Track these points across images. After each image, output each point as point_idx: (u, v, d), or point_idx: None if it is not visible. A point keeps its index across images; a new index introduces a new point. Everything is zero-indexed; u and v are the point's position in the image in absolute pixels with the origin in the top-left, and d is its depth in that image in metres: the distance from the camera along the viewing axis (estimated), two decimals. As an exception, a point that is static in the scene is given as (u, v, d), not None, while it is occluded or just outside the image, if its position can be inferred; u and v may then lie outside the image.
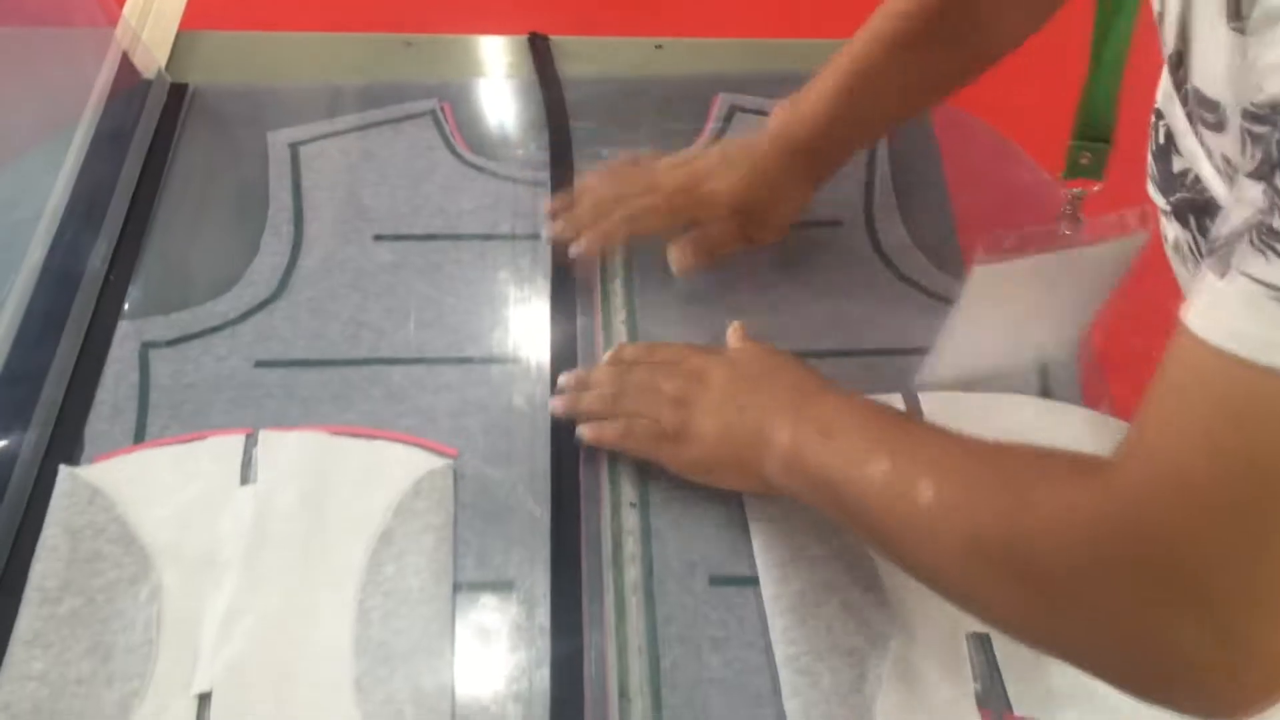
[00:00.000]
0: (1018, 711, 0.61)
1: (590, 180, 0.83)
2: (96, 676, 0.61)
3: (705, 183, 0.80)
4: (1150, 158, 0.66)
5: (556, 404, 0.73)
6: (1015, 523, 0.49)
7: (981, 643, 0.64)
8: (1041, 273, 0.67)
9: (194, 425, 0.73)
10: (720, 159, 0.81)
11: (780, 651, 0.63)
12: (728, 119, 0.94)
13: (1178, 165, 0.62)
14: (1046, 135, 0.78)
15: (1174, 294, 0.65)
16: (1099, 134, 0.66)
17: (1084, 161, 0.67)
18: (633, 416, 0.70)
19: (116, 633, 0.63)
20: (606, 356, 0.75)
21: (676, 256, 0.80)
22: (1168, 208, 0.64)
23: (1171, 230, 0.65)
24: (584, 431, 0.71)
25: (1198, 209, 0.60)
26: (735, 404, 0.67)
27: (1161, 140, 0.64)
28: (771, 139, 0.80)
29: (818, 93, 0.77)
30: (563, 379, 0.74)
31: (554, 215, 0.82)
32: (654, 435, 0.69)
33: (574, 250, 0.80)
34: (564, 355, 0.77)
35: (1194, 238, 0.61)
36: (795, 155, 0.79)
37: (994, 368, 0.74)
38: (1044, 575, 0.47)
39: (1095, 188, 0.68)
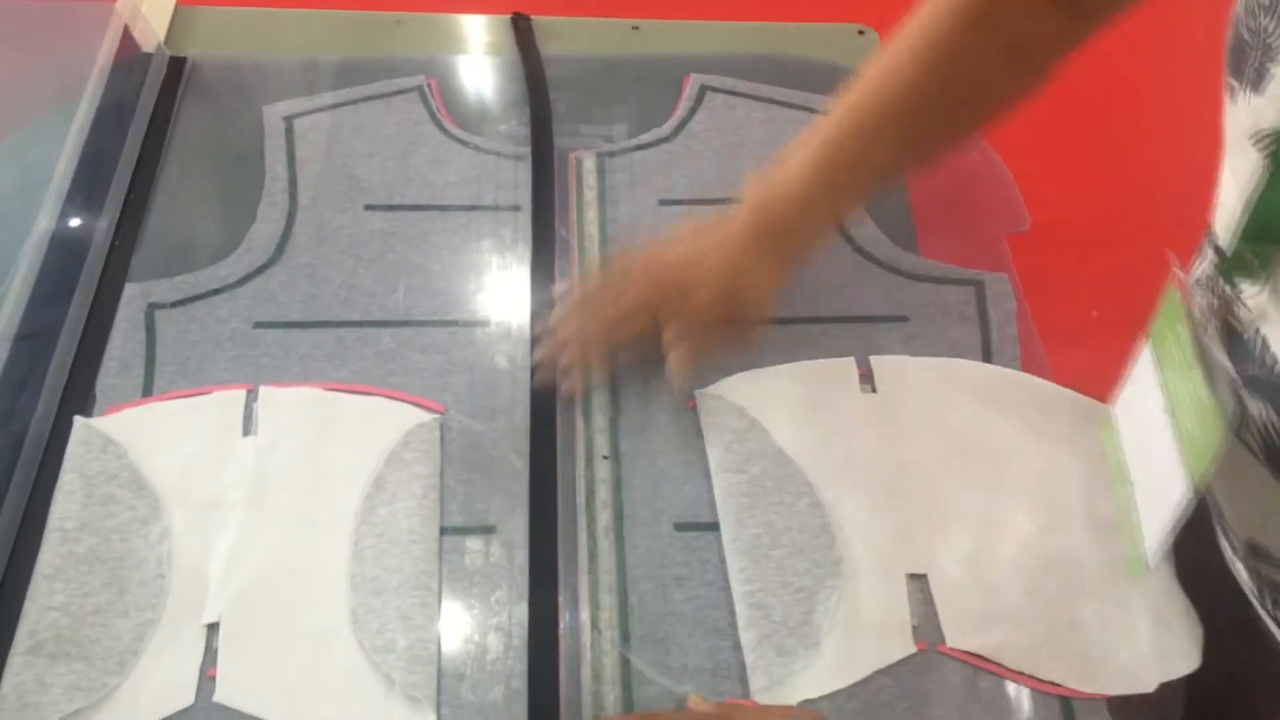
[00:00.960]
0: (950, 644, 0.68)
1: (569, 303, 0.80)
2: (113, 607, 0.67)
3: (681, 281, 0.76)
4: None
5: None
6: None
7: (920, 583, 0.70)
8: None
9: (198, 381, 0.78)
10: (690, 249, 0.77)
11: (737, 589, 0.69)
12: (699, 99, 0.99)
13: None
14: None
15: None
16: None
17: (1248, 262, 0.56)
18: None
19: (130, 569, 0.68)
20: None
21: (672, 374, 0.77)
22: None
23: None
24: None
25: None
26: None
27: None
28: (743, 217, 0.75)
29: (796, 163, 0.73)
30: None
31: (536, 341, 0.80)
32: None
33: (564, 390, 0.79)
34: (543, 319, 0.82)
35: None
36: (769, 235, 0.75)
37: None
38: None
39: (1259, 291, 0.56)
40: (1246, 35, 0.53)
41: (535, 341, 0.81)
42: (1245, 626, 0.66)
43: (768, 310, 0.78)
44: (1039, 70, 0.67)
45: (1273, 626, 0.64)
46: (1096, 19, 0.64)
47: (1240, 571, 0.66)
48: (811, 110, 0.97)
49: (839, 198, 0.74)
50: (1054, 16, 0.64)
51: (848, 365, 0.80)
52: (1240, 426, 0.59)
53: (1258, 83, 0.52)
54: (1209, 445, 0.58)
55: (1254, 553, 0.62)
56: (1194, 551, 0.69)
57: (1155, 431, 0.66)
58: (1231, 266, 0.57)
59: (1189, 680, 0.67)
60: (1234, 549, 0.65)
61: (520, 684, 0.66)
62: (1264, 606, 0.64)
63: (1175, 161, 1.20)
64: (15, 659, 0.63)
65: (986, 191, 0.94)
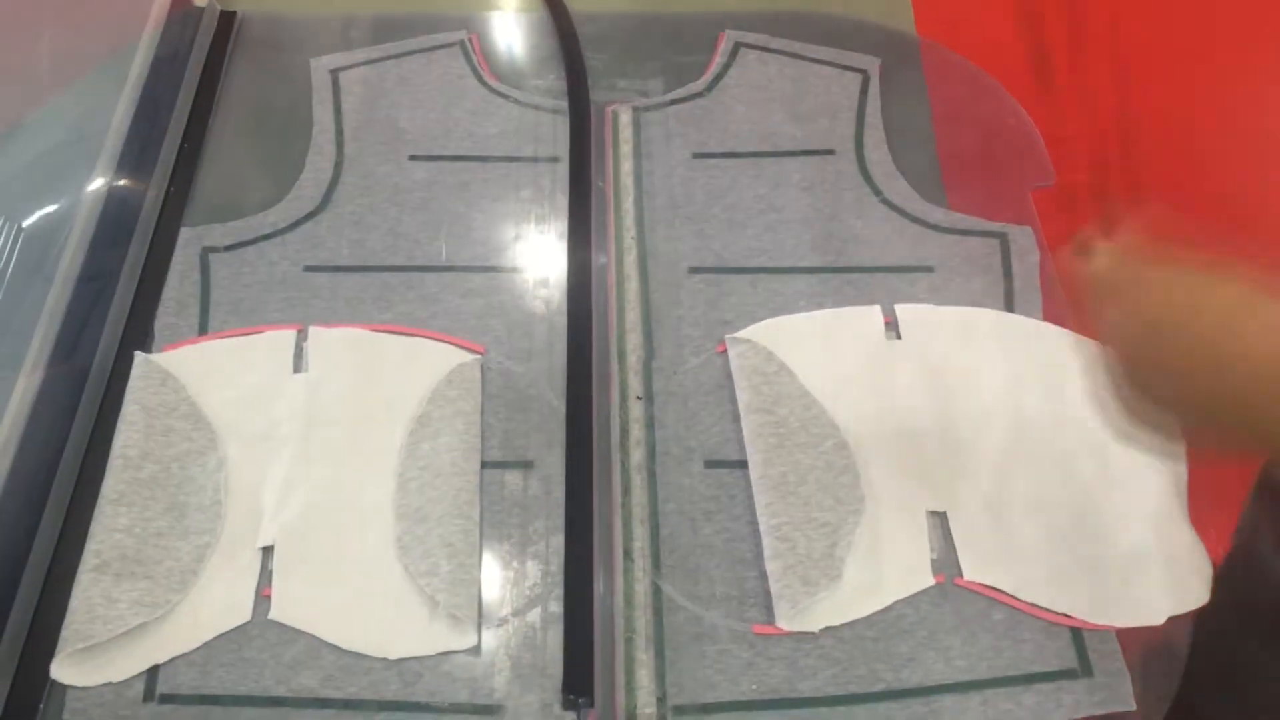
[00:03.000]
0: (967, 577, 0.71)
1: None
2: (173, 531, 0.71)
3: None
4: None
5: None
6: None
7: (939, 520, 0.73)
8: None
9: (251, 321, 0.82)
10: None
11: (764, 522, 0.72)
12: (733, 54, 1.02)
13: None
14: (1024, 69, 0.81)
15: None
16: None
17: None
18: None
19: (189, 495, 0.72)
20: None
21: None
22: None
23: None
24: None
25: None
26: None
27: None
28: None
29: None
30: None
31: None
32: None
33: None
34: (580, 265, 0.86)
35: None
36: None
37: None
38: None
39: None
40: None
41: (571, 269, 0.84)
42: (1255, 563, 0.69)
43: None
44: None
45: None
46: None
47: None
48: (841, 66, 0.99)
49: None
50: None
51: (874, 313, 0.83)
52: None
53: None
54: None
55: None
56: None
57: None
58: None
59: (1197, 614, 0.70)
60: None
61: (556, 607, 0.70)
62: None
63: (1206, 128, 1.21)
64: (84, 575, 0.68)
65: (1014, 147, 0.96)
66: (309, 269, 0.85)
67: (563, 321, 0.83)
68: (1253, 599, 0.69)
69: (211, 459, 0.74)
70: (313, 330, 0.81)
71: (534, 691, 0.66)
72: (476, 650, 0.68)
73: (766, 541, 0.72)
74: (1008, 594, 0.71)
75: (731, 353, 0.81)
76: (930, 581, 0.71)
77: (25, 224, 0.79)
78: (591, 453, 0.76)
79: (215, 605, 0.69)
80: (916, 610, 0.70)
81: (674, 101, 0.98)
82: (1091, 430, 0.77)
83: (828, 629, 0.69)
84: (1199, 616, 0.70)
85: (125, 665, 0.66)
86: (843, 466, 0.75)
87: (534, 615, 0.69)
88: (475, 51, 1.01)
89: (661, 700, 0.66)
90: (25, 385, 0.75)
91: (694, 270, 0.86)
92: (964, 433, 0.77)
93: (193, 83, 0.96)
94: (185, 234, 0.87)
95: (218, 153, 0.93)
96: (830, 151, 0.94)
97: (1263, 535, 0.67)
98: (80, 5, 0.94)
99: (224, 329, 0.81)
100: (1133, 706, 0.67)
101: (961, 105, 0.99)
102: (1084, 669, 0.68)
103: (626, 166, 0.93)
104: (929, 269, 0.86)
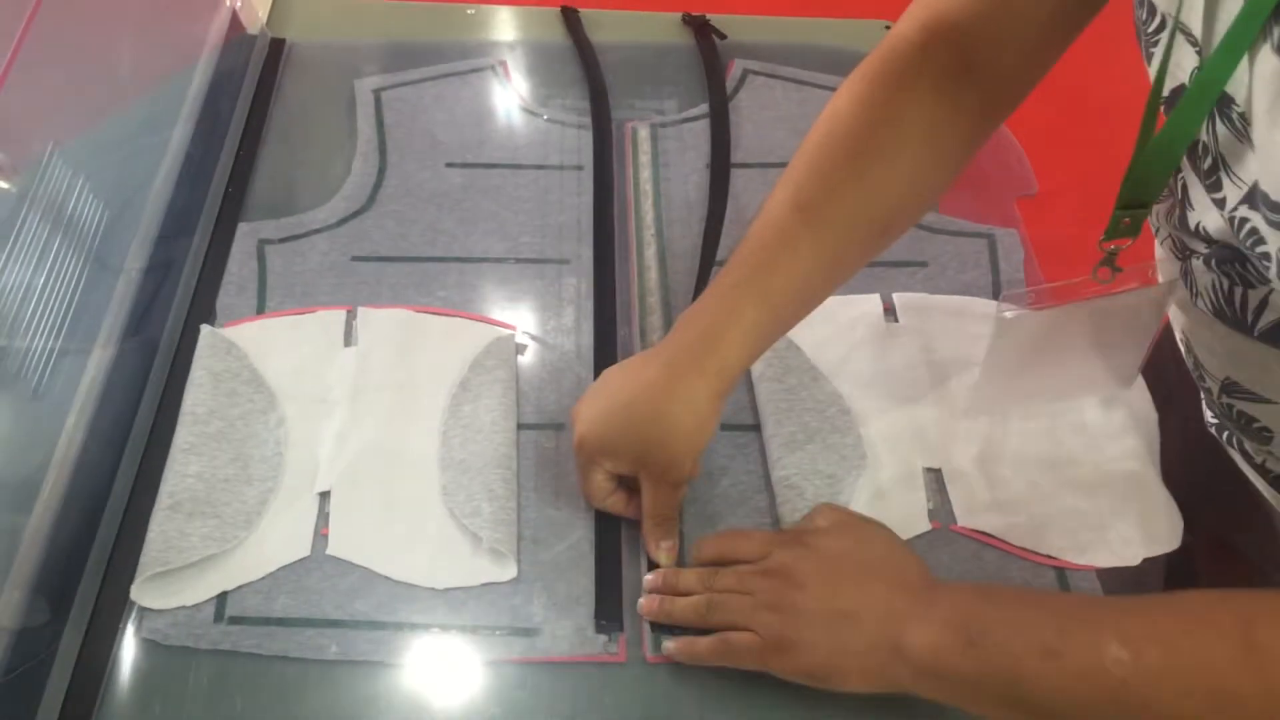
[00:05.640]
0: (961, 523, 0.78)
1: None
2: (239, 478, 0.78)
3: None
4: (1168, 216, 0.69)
5: (645, 606, 0.72)
6: (1254, 669, 0.52)
7: (935, 475, 0.81)
8: (1066, 322, 0.75)
9: (304, 302, 0.90)
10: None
11: (775, 475, 0.79)
12: (741, 80, 1.11)
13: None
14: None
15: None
16: (1142, 203, 0.64)
17: (1124, 225, 0.66)
18: (728, 629, 0.68)
19: (253, 448, 0.79)
20: (690, 553, 0.75)
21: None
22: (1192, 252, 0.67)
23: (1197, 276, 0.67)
24: (673, 648, 0.70)
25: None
26: (838, 609, 0.65)
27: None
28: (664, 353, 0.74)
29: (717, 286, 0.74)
30: (648, 580, 0.73)
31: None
32: (757, 648, 0.66)
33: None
34: (603, 257, 0.94)
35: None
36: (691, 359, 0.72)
37: (1040, 400, 0.84)
38: None
39: (1128, 243, 0.68)
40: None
41: (597, 260, 0.91)
42: (1223, 498, 0.77)
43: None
44: (950, 161, 0.73)
45: (1236, 455, 0.76)
46: (999, 109, 0.72)
47: (1227, 443, 0.77)
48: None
49: (759, 311, 0.72)
50: (956, 107, 0.70)
51: (874, 300, 0.91)
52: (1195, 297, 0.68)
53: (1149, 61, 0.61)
54: None
55: (1228, 389, 0.71)
56: (1182, 433, 0.82)
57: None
58: (1109, 233, 0.66)
59: (1169, 557, 0.77)
60: (1213, 394, 0.74)
61: (588, 548, 0.77)
62: (1230, 442, 0.76)
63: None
64: (159, 513, 0.74)
65: (999, 159, 1.05)
66: (356, 259, 0.93)
67: (589, 306, 0.91)
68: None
69: (272, 417, 0.81)
70: (361, 310, 0.88)
71: (569, 618, 0.73)
72: (516, 581, 0.74)
73: (777, 490, 0.79)
74: (998, 538, 0.77)
75: (744, 330, 0.88)
76: (927, 526, 0.78)
77: (103, 215, 0.86)
78: (617, 416, 0.84)
79: (278, 541, 0.75)
80: (916, 552, 0.77)
81: (688, 120, 1.07)
82: (1072, 400, 0.84)
83: (834, 568, 0.76)
84: (1169, 561, 0.77)
85: (197, 591, 0.73)
86: (846, 428, 0.82)
87: (568, 552, 0.76)
88: (506, 75, 1.10)
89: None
90: (100, 355, 0.82)
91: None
92: (957, 401, 0.84)
93: (248, 99, 1.05)
94: (243, 228, 0.95)
95: (271, 158, 1.01)
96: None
97: None
98: (143, 32, 1.03)
99: (280, 309, 0.89)
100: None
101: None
102: (1068, 603, 0.75)
103: (645, 174, 1.01)
104: (923, 264, 0.95)
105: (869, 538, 0.71)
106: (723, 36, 1.15)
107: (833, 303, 0.90)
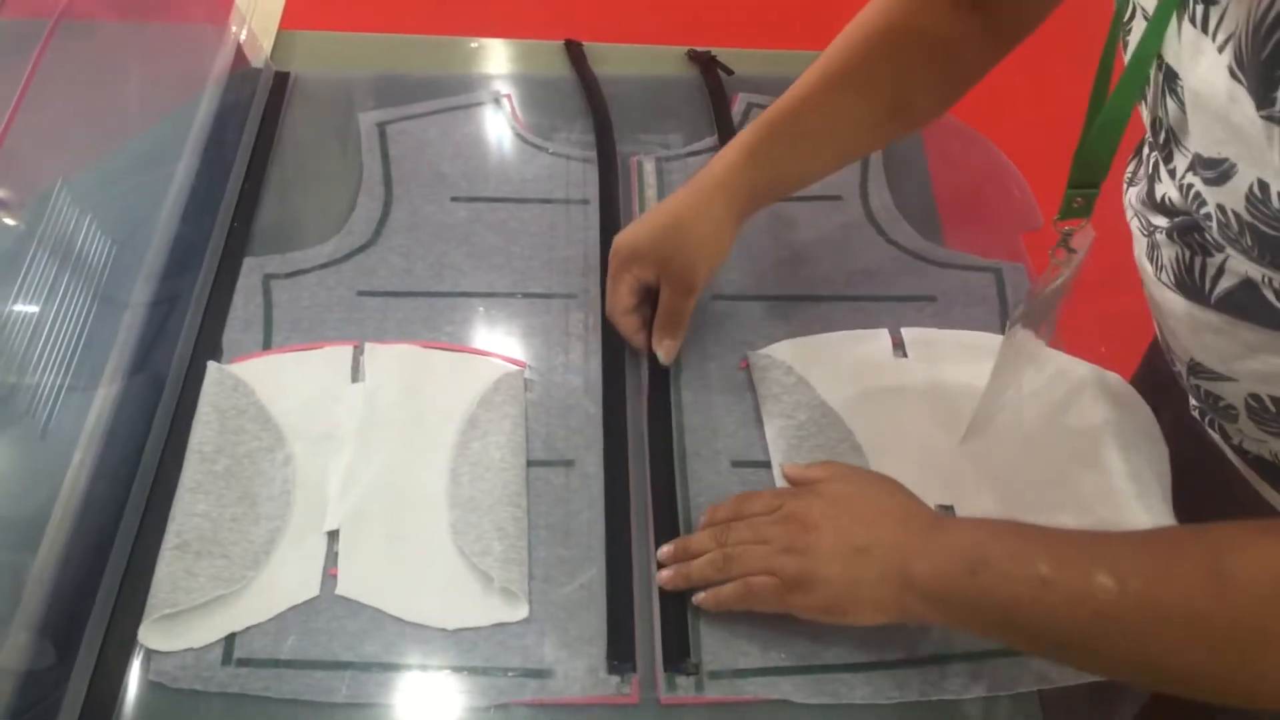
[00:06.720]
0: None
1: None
2: (247, 516, 0.77)
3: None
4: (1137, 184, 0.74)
5: (663, 577, 0.74)
6: (1220, 595, 0.55)
7: (948, 511, 0.80)
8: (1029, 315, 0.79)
9: (310, 338, 0.89)
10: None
11: (787, 511, 0.79)
12: (745, 114, 1.11)
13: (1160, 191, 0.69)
14: (1010, 128, 0.91)
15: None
16: (1092, 182, 0.68)
17: (1076, 204, 0.69)
18: (747, 576, 0.71)
19: (260, 486, 0.79)
20: (701, 521, 0.78)
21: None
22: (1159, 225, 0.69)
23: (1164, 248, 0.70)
24: (703, 599, 0.73)
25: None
26: (853, 545, 0.69)
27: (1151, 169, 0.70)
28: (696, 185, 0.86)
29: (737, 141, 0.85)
30: (663, 551, 0.76)
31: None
32: (776, 588, 0.70)
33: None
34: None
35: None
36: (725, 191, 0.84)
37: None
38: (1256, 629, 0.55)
39: (1083, 223, 0.71)
40: None
41: (604, 295, 0.90)
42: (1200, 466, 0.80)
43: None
44: (962, 75, 0.82)
45: (1218, 437, 0.78)
46: (1014, 28, 0.79)
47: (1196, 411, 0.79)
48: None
49: (775, 167, 0.84)
50: (973, 23, 0.78)
51: (882, 334, 0.91)
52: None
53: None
54: None
55: (1194, 371, 0.73)
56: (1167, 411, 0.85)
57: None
58: (1063, 214, 0.71)
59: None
60: (1184, 377, 0.76)
61: (599, 587, 0.76)
62: (1211, 426, 0.78)
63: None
64: (166, 553, 0.74)
65: (1004, 194, 1.05)
66: (362, 294, 0.93)
67: (597, 340, 0.90)
68: None
69: (279, 455, 0.81)
70: (368, 345, 0.88)
71: (581, 658, 0.72)
72: (528, 622, 0.74)
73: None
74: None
75: (753, 366, 0.88)
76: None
77: (109, 250, 0.86)
78: (627, 452, 0.83)
79: (286, 581, 0.75)
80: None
81: (693, 153, 1.07)
82: (1084, 441, 0.84)
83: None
84: None
85: (204, 633, 0.72)
86: (858, 464, 0.82)
87: (579, 591, 0.76)
88: (510, 108, 1.10)
89: (698, 666, 0.72)
90: (106, 392, 0.81)
91: (716, 297, 0.94)
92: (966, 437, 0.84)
93: (252, 132, 1.05)
94: (248, 263, 0.94)
95: (276, 193, 1.01)
96: (838, 197, 1.03)
97: None
98: (149, 66, 1.03)
99: (286, 345, 0.88)
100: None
101: (955, 159, 1.08)
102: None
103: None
104: (932, 298, 0.95)
105: (873, 481, 0.75)
106: (730, 73, 1.15)
107: (841, 338, 0.91)
